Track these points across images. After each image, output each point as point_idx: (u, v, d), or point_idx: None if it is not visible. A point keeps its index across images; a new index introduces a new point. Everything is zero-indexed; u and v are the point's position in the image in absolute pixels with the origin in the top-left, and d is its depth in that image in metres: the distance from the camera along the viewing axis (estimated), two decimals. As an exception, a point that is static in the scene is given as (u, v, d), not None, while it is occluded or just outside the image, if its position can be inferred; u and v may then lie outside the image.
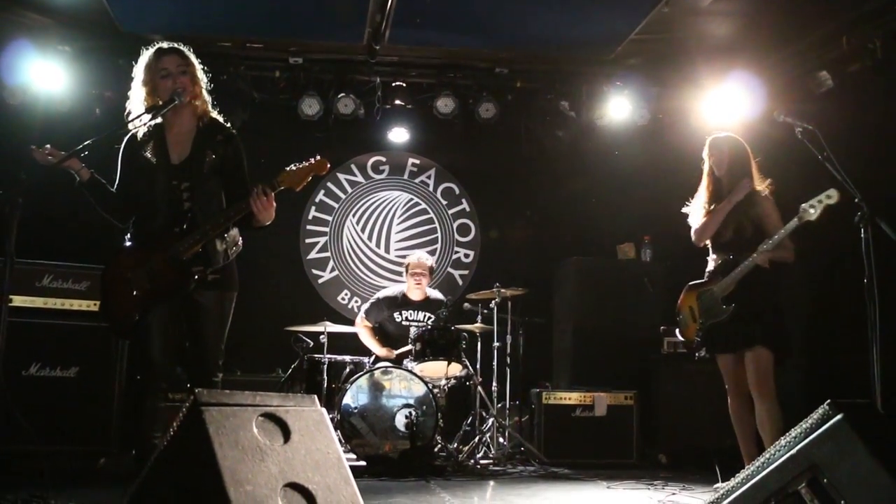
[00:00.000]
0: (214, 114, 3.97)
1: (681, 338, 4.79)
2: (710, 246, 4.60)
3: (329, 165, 3.82)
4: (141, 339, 3.80)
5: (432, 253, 7.96)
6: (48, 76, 6.39)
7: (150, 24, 6.31)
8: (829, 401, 2.64)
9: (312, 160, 3.76)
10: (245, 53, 6.78)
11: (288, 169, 3.73)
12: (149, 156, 3.82)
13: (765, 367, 4.26)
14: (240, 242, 3.94)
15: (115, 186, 3.89)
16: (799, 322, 6.34)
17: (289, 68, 6.90)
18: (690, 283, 4.66)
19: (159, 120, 3.86)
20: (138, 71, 3.92)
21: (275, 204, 3.71)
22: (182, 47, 3.96)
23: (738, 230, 4.44)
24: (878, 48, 5.84)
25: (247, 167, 3.94)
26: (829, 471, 2.55)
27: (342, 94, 6.89)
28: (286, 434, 2.51)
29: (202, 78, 3.93)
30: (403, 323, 6.66)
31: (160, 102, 3.78)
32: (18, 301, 5.40)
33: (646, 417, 6.40)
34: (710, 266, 4.59)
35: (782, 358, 4.36)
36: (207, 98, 3.95)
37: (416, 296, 6.75)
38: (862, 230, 3.53)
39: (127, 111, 3.87)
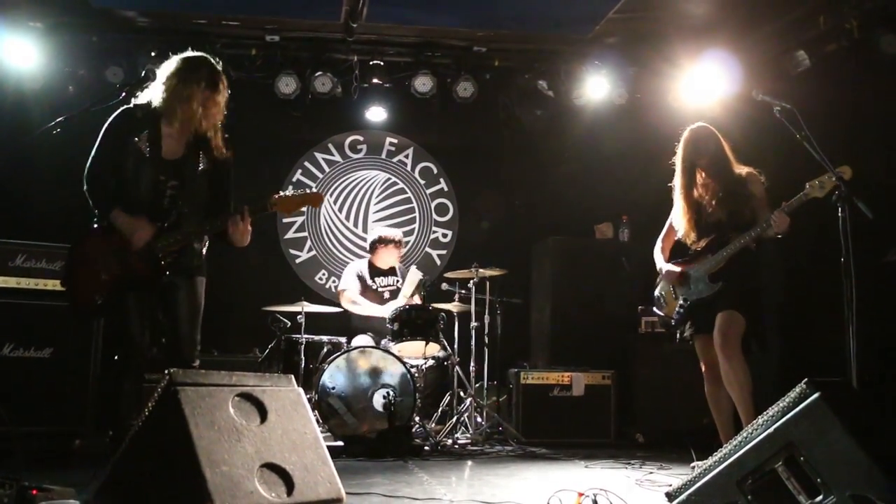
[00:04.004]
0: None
1: (660, 313, 4.73)
2: (692, 230, 4.52)
3: (324, 200, 3.90)
4: (120, 319, 3.80)
5: (410, 233, 7.97)
6: (19, 53, 6.27)
7: (124, 0, 6.20)
8: (805, 379, 2.66)
9: (308, 191, 3.93)
10: (221, 31, 6.70)
11: (283, 194, 3.89)
12: (140, 144, 3.77)
13: (734, 326, 4.24)
14: (208, 239, 4.00)
15: (94, 158, 3.79)
16: (775, 301, 6.38)
17: (265, 46, 6.82)
18: (671, 262, 4.64)
19: (161, 107, 3.79)
20: (184, 73, 3.80)
21: (250, 229, 3.81)
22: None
23: (734, 212, 4.38)
24: (855, 28, 5.87)
25: (233, 177, 3.99)
26: (806, 449, 2.58)
27: (319, 73, 6.83)
28: (263, 414, 2.50)
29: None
30: (378, 289, 6.69)
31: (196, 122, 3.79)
32: (-10, 281, 5.33)
33: (623, 397, 6.44)
34: (693, 248, 4.54)
35: (751, 339, 4.35)
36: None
37: (383, 264, 6.77)
38: (839, 209, 3.55)
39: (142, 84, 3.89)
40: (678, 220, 4.57)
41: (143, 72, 3.79)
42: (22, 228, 5.66)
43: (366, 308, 6.55)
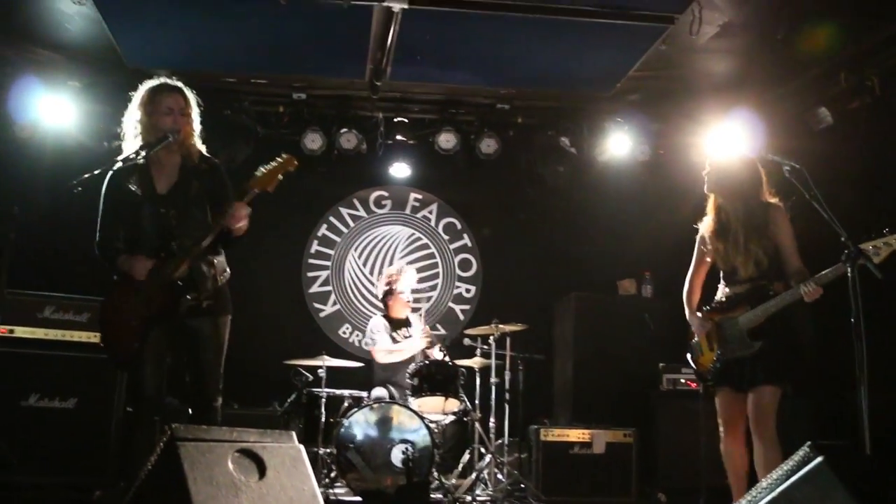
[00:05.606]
0: (199, 145, 4.05)
1: (692, 366, 4.49)
2: (723, 275, 4.36)
3: (297, 162, 3.86)
4: (132, 372, 3.86)
5: (433, 288, 8.02)
6: (57, 110, 6.49)
7: (157, 60, 6.40)
8: (809, 442, 2.63)
9: (280, 158, 3.84)
10: (249, 89, 6.87)
11: (257, 173, 3.81)
12: (133, 188, 3.87)
13: (767, 406, 4.05)
14: (227, 270, 4.02)
15: (101, 225, 3.93)
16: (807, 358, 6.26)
17: (292, 103, 6.99)
18: (707, 308, 4.41)
19: (144, 153, 3.88)
20: (137, 103, 4.00)
21: (248, 210, 3.78)
22: (184, 87, 4.05)
23: (759, 261, 4.18)
24: (876, 85, 5.86)
25: (231, 190, 3.99)
26: (809, 513, 2.54)
27: (345, 130, 6.96)
28: (262, 470, 2.53)
29: (196, 116, 4.03)
30: (402, 341, 6.75)
31: (153, 138, 3.87)
32: (20, 332, 5.51)
33: (645, 455, 6.34)
34: (726, 291, 4.33)
35: (795, 391, 4.18)
36: (197, 133, 4.02)
37: (399, 314, 6.83)
38: (848, 269, 3.52)
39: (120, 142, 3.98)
40: (709, 238, 4.39)
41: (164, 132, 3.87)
42: (50, 281, 5.81)
43: (400, 354, 6.61)
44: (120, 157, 3.88)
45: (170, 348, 3.88)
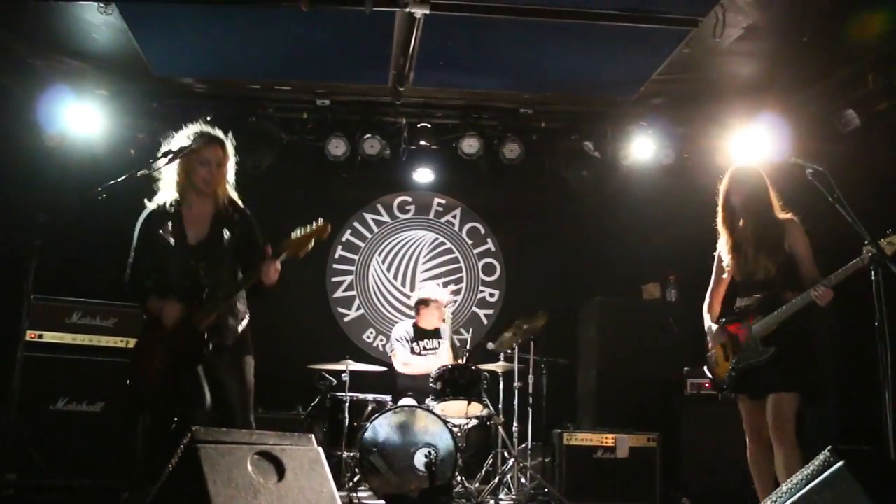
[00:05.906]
0: (233, 194, 4.09)
1: (710, 376, 4.56)
2: (739, 284, 4.43)
3: (330, 230, 3.92)
4: (192, 386, 3.84)
5: (457, 293, 8.03)
6: (85, 118, 6.58)
7: (182, 69, 6.49)
8: (829, 447, 2.60)
9: (314, 225, 3.88)
10: (273, 95, 6.92)
11: (292, 236, 3.87)
12: (166, 236, 3.91)
13: (785, 412, 4.08)
14: (248, 315, 4.05)
15: (132, 263, 3.97)
16: (831, 364, 6.20)
17: (316, 110, 7.03)
18: (723, 320, 4.48)
19: (177, 196, 3.97)
20: (179, 145, 4.00)
21: (279, 268, 3.83)
22: (225, 139, 4.08)
23: (768, 271, 4.26)
24: (904, 86, 5.79)
25: (260, 239, 4.05)
26: (829, 519, 2.51)
27: (368, 135, 6.97)
28: (280, 472, 2.55)
29: (232, 167, 4.08)
30: (422, 353, 6.75)
31: (191, 185, 3.95)
32: (48, 337, 5.60)
33: (669, 459, 6.30)
34: (743, 302, 4.40)
35: (810, 401, 4.23)
36: (231, 183, 4.08)
37: (427, 325, 6.84)
38: (872, 272, 3.49)
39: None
40: (725, 255, 4.46)
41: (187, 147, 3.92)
42: (78, 287, 5.89)
43: (418, 366, 6.62)
44: (155, 200, 3.99)
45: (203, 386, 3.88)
